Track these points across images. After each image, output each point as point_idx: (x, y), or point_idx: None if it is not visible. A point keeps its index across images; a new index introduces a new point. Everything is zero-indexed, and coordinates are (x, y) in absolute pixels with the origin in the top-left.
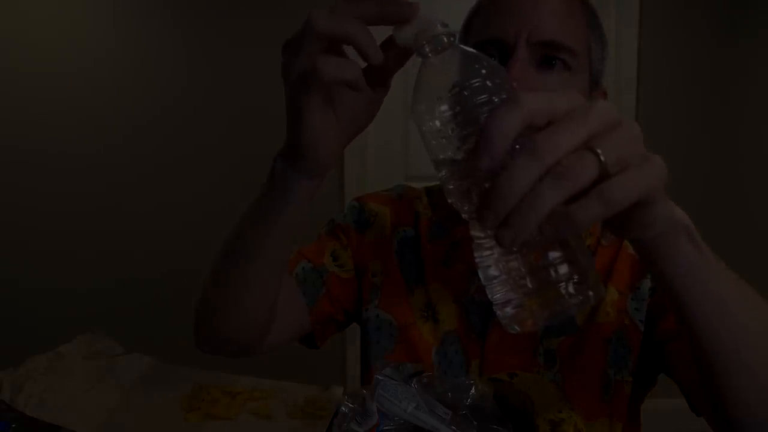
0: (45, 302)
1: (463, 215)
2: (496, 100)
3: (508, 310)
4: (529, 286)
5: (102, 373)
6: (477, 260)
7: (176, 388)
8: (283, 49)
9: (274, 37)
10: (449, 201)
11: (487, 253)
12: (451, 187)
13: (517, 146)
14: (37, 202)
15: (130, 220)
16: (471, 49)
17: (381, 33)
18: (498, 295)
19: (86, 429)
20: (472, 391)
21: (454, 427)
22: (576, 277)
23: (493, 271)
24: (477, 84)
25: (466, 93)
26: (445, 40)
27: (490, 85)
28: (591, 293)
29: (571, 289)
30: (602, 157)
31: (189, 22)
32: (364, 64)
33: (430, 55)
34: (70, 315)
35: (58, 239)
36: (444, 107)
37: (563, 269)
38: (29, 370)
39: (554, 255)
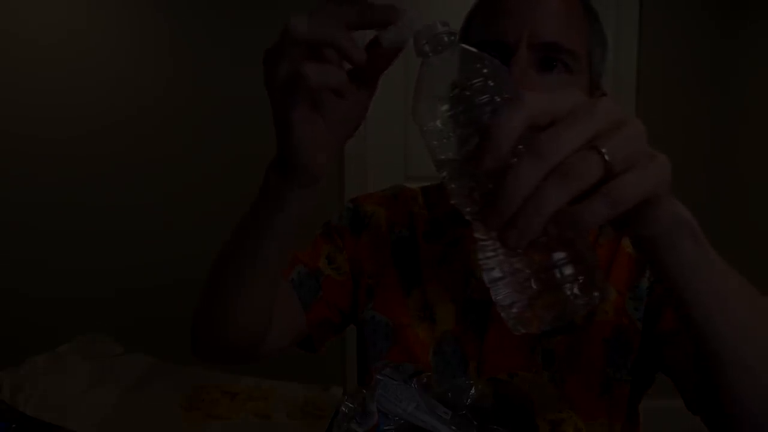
0: (44, 302)
1: (466, 216)
2: (498, 99)
3: (513, 311)
4: (534, 287)
5: (102, 373)
6: (481, 262)
7: (176, 388)
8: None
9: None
10: (452, 202)
11: (491, 254)
12: (454, 187)
13: (521, 146)
14: (34, 201)
15: (130, 219)
16: (472, 48)
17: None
18: (502, 297)
19: (86, 429)
20: (472, 391)
21: (454, 427)
22: (581, 277)
23: (497, 273)
24: (479, 83)
25: (467, 93)
26: (446, 39)
27: (491, 84)
28: (596, 294)
29: (576, 290)
30: (607, 157)
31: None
32: (349, 67)
33: (430, 54)
34: (70, 315)
35: (57, 239)
36: (445, 107)
37: (568, 270)
38: (29, 370)
39: (559, 256)
